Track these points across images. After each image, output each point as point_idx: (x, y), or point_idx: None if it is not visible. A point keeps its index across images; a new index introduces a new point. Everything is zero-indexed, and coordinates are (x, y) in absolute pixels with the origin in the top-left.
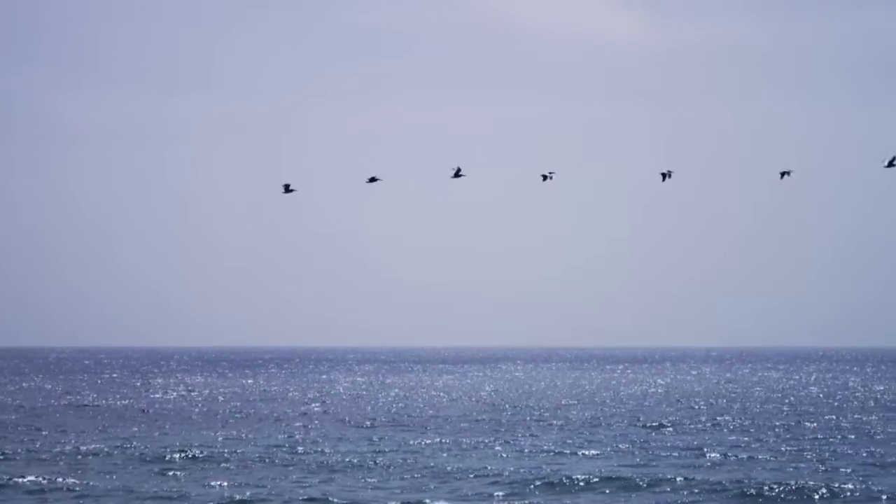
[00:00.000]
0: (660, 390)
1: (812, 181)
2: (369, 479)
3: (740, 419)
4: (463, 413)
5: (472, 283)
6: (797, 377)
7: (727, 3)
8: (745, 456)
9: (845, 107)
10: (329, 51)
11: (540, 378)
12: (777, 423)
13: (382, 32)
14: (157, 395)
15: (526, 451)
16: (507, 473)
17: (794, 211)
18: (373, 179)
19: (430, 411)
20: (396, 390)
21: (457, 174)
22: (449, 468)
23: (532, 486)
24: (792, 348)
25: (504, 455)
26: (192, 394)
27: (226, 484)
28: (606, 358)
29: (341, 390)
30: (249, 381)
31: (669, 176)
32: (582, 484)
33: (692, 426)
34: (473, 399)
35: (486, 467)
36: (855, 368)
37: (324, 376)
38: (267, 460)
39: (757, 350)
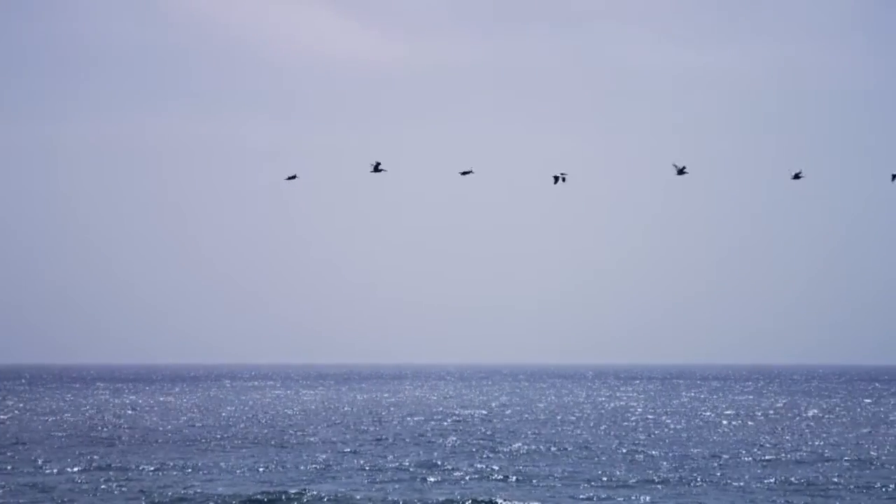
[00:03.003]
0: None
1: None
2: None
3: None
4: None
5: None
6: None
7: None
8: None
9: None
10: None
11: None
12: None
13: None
14: None
15: (274, 469)
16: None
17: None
18: (377, 169)
19: (184, 430)
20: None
21: (466, 172)
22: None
23: None
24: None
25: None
26: None
27: None
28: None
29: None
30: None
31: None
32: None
33: (468, 445)
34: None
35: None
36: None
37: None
38: None
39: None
